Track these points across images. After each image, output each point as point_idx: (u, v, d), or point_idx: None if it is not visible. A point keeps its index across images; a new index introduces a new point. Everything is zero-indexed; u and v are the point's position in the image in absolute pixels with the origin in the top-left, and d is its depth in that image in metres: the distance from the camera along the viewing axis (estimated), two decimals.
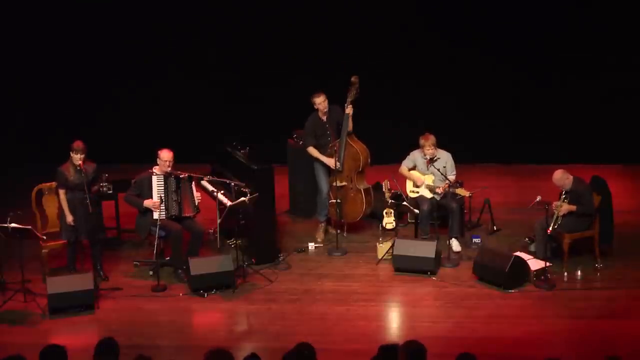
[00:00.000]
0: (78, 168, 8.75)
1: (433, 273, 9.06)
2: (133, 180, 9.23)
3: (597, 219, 9.10)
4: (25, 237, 8.47)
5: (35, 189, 9.35)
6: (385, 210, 10.34)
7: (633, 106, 12.63)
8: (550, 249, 8.96)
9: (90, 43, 13.15)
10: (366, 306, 8.48)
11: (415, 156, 9.84)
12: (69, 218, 8.84)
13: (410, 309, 8.60)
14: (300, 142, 10.45)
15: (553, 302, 8.40)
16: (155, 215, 8.91)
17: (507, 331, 7.82)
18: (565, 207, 8.90)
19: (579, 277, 8.90)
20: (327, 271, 9.36)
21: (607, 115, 12.63)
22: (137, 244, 9.91)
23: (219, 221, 9.02)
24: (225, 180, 9.35)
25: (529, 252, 9.21)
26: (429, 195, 9.72)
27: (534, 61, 12.72)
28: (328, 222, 10.31)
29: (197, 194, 9.23)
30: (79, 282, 8.43)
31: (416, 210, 9.65)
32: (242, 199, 8.91)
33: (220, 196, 9.25)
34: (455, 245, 9.64)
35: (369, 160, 10.03)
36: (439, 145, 9.72)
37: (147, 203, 8.96)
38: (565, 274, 8.90)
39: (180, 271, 9.05)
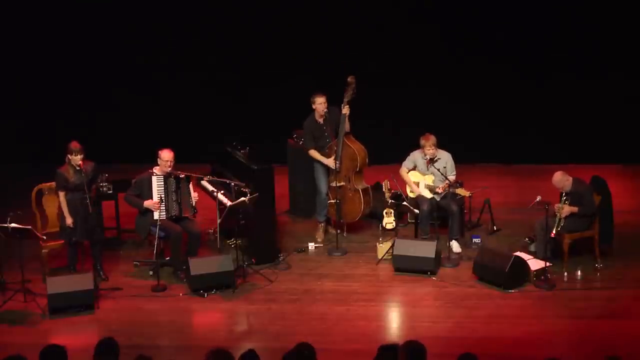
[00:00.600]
0: (78, 168, 8.75)
1: (433, 273, 9.06)
2: (133, 181, 9.23)
3: (597, 219, 9.10)
4: (25, 237, 8.47)
5: (35, 189, 9.35)
6: (385, 210, 10.34)
7: (633, 106, 12.63)
8: (550, 249, 8.96)
9: (90, 43, 13.15)
10: (366, 306, 8.48)
11: (416, 156, 9.84)
12: (69, 220, 8.83)
13: (410, 309, 8.60)
14: (300, 142, 10.45)
15: (553, 302, 8.40)
16: (156, 216, 8.91)
17: (507, 331, 7.82)
18: (567, 209, 8.89)
19: (579, 277, 8.90)
20: (327, 271, 9.36)
21: (607, 115, 12.64)
22: (137, 244, 9.92)
23: (219, 221, 9.02)
24: (225, 180, 9.35)
25: (529, 252, 9.21)
26: (429, 195, 9.72)
27: (534, 61, 12.72)
28: (328, 222, 10.31)
29: (194, 195, 9.22)
30: (79, 282, 8.42)
31: (416, 210, 9.65)
32: (242, 199, 8.91)
33: (220, 196, 9.25)
34: (456, 246, 9.64)
35: (367, 160, 10.02)
36: (439, 145, 9.72)
37: (147, 203, 8.97)
38: (565, 274, 8.90)
39: (179, 272, 9.05)
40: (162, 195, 9.01)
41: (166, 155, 9.01)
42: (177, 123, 13.06)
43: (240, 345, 7.58)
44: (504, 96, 12.79)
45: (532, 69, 12.74)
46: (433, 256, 9.04)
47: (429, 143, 9.62)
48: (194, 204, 9.20)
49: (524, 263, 8.76)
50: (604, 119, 12.65)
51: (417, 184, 9.77)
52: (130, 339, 7.54)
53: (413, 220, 10.13)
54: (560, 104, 12.80)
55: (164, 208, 9.03)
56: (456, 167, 9.80)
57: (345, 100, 9.77)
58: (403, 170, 9.88)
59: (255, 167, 9.44)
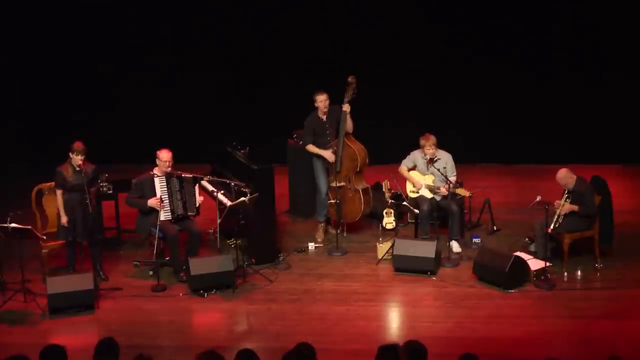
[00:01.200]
0: (77, 169, 8.75)
1: (433, 273, 9.06)
2: (133, 182, 9.22)
3: (597, 219, 9.10)
4: (25, 237, 8.47)
5: (35, 189, 9.35)
6: (385, 210, 10.34)
7: (633, 106, 12.63)
8: (550, 249, 8.96)
9: (90, 43, 13.15)
10: (366, 306, 8.48)
11: (416, 156, 9.83)
12: (64, 219, 8.84)
13: (410, 309, 8.60)
14: (300, 142, 10.45)
15: (553, 302, 8.40)
16: (162, 217, 8.91)
17: (507, 331, 7.82)
18: (567, 207, 8.90)
19: (579, 277, 8.90)
20: (327, 271, 9.36)
21: (607, 115, 12.64)
22: (137, 244, 9.92)
23: (219, 221, 9.02)
24: (225, 180, 9.35)
25: (529, 252, 9.21)
26: (429, 195, 9.72)
27: (534, 61, 12.73)
28: (328, 222, 10.31)
29: (200, 198, 9.22)
30: (79, 282, 8.42)
31: (416, 210, 9.65)
32: (242, 199, 8.91)
33: (220, 196, 9.24)
34: (456, 247, 9.63)
35: (367, 161, 10.03)
36: (439, 145, 9.72)
37: (151, 202, 8.95)
38: (565, 274, 8.90)
39: (180, 274, 9.05)
40: (167, 196, 9.01)
41: (165, 155, 9.01)
42: (177, 123, 13.06)
43: (240, 345, 7.55)
44: (504, 96, 12.79)
45: (533, 69, 12.73)
46: (433, 256, 9.04)
47: (429, 143, 9.62)
48: (197, 206, 9.20)
49: (524, 263, 8.76)
50: (604, 119, 12.66)
51: (421, 185, 9.76)
52: (130, 339, 7.54)
53: (413, 220, 10.13)
54: (561, 104, 12.80)
55: (168, 208, 9.03)
56: (456, 167, 9.80)
57: (346, 100, 9.77)
58: (402, 168, 9.88)
59: (255, 167, 9.44)
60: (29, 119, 13.36)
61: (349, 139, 9.95)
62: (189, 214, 9.18)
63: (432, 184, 9.68)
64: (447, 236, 9.56)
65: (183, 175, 9.14)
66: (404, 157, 9.92)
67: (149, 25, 13.03)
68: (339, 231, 9.91)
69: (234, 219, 9.16)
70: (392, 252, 9.26)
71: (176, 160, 9.14)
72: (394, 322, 8.55)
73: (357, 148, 9.93)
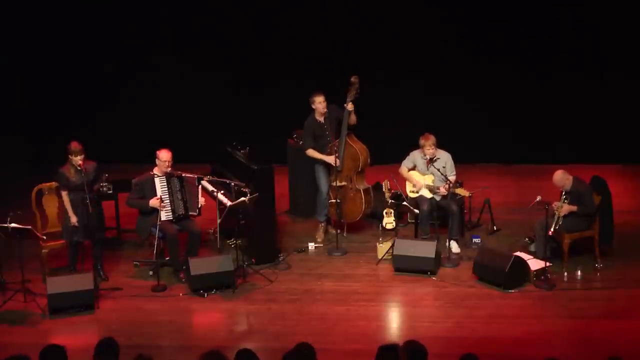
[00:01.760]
0: (78, 168, 8.75)
1: (433, 273, 9.06)
2: (133, 182, 9.21)
3: (597, 219, 9.10)
4: (25, 237, 8.47)
5: (35, 189, 9.35)
6: (385, 210, 10.34)
7: (633, 106, 12.63)
8: (550, 249, 8.96)
9: (90, 43, 13.14)
10: (366, 306, 8.48)
11: (415, 156, 9.84)
12: (73, 219, 8.83)
13: (410, 309, 8.60)
14: (300, 142, 10.45)
15: (553, 302, 8.40)
16: (163, 217, 8.91)
17: (507, 331, 7.82)
18: (566, 208, 8.90)
19: (579, 277, 8.90)
20: (327, 271, 9.36)
21: (607, 115, 12.64)
22: (137, 244, 9.91)
23: (219, 221, 9.02)
24: (225, 180, 9.35)
25: (529, 252, 9.21)
26: (429, 195, 9.72)
27: (535, 61, 12.72)
28: (328, 222, 10.31)
29: (202, 200, 9.22)
30: (79, 282, 8.43)
31: (416, 210, 9.65)
32: (242, 199, 8.90)
33: (220, 196, 9.24)
34: (455, 247, 9.63)
35: (369, 161, 10.03)
36: (439, 145, 9.72)
37: (152, 202, 8.95)
38: (565, 274, 8.90)
39: (179, 273, 9.05)
40: (168, 196, 9.01)
41: (164, 155, 9.01)
42: (177, 123, 13.06)
43: (240, 345, 7.55)
44: (504, 96, 12.78)
45: (533, 69, 12.73)
46: (433, 256, 9.04)
47: (428, 143, 9.62)
48: (200, 206, 9.20)
49: (524, 263, 8.76)
50: (604, 119, 12.65)
51: (422, 185, 9.76)
52: (130, 339, 7.54)
53: (413, 220, 10.13)
54: (561, 104, 12.80)
55: (169, 208, 9.03)
56: (456, 167, 9.80)
57: (348, 100, 9.77)
58: (403, 169, 9.88)
59: (255, 167, 9.44)
60: (29, 119, 13.35)
61: (351, 138, 9.95)
62: (191, 213, 9.18)
63: (431, 184, 9.68)
64: (447, 236, 9.56)
65: (184, 175, 9.15)
66: (404, 157, 9.92)
67: (149, 26, 13.03)
68: (339, 231, 9.90)
69: (234, 219, 9.16)
70: (392, 252, 9.26)
71: (176, 161, 9.14)
72: (394, 322, 8.55)
73: (359, 148, 9.94)
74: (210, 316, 8.46)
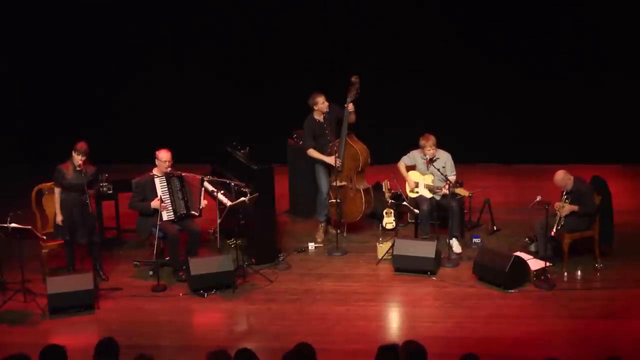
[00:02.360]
0: (77, 169, 8.75)
1: (433, 273, 9.06)
2: (133, 183, 9.20)
3: (597, 219, 9.10)
4: (25, 237, 8.46)
5: (35, 189, 9.35)
6: (385, 210, 10.35)
7: (633, 106, 12.63)
8: (550, 249, 8.96)
9: (90, 43, 13.15)
10: (366, 306, 8.48)
11: (415, 156, 9.84)
12: (59, 217, 8.85)
13: (410, 309, 8.60)
14: (300, 142, 10.45)
15: (553, 302, 8.40)
16: (165, 217, 8.91)
17: (507, 331, 7.82)
18: (567, 208, 8.90)
19: (579, 277, 8.90)
20: (327, 271, 9.36)
21: (607, 115, 12.64)
22: (137, 244, 9.91)
23: (219, 221, 9.02)
24: (225, 180, 9.35)
25: (529, 252, 9.21)
26: (429, 195, 9.72)
27: (534, 61, 12.73)
28: (328, 222, 10.31)
29: (204, 202, 9.21)
30: (79, 282, 8.42)
31: (416, 210, 9.65)
32: (242, 199, 8.91)
33: (220, 196, 9.24)
34: (456, 245, 9.64)
35: (369, 161, 10.04)
36: (439, 145, 9.72)
37: (154, 204, 8.95)
38: (565, 274, 8.90)
39: (179, 272, 9.05)
40: (168, 196, 9.01)
41: (164, 155, 9.01)
42: (177, 123, 13.06)
43: (240, 345, 7.56)
44: (505, 96, 12.79)
45: (533, 69, 12.73)
46: (433, 256, 9.04)
47: (429, 143, 9.62)
48: (201, 207, 9.20)
49: (524, 263, 8.76)
50: (604, 119, 12.65)
51: (417, 184, 9.78)
52: (130, 339, 7.54)
53: (413, 220, 10.13)
54: (561, 104, 12.80)
55: (171, 208, 9.04)
56: (456, 167, 9.80)
57: (349, 100, 9.78)
58: (401, 164, 9.88)
59: (255, 167, 9.44)
60: (29, 119, 13.35)
61: (351, 138, 9.96)
62: (192, 212, 9.17)
63: (431, 184, 9.68)
64: (447, 235, 9.56)
65: (184, 174, 9.15)
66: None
67: (149, 26, 13.03)
68: (339, 231, 9.91)
69: (234, 219, 9.16)
70: (392, 252, 9.26)
71: (176, 161, 9.14)
72: (394, 322, 8.55)
73: (360, 148, 9.94)
74: (210, 316, 8.46)
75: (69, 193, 8.83)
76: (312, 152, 9.97)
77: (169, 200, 9.06)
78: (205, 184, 9.80)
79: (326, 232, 10.26)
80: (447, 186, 9.44)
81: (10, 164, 12.93)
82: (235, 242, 9.28)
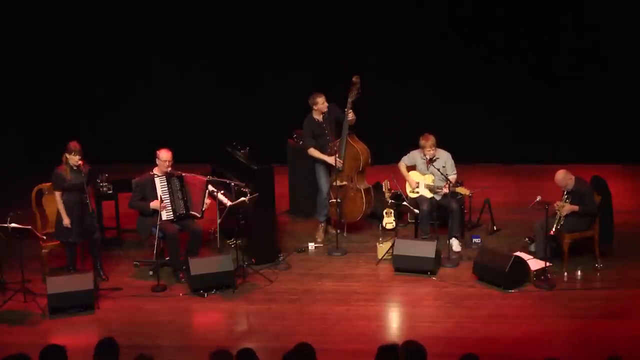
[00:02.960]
0: (75, 168, 8.74)
1: (433, 273, 9.06)
2: (133, 182, 9.20)
3: (597, 219, 9.10)
4: (25, 237, 8.46)
5: (35, 189, 9.35)
6: (385, 210, 10.35)
7: (633, 106, 12.63)
8: (550, 249, 8.95)
9: (90, 43, 13.15)
10: (366, 306, 8.48)
11: (415, 156, 9.84)
12: (66, 220, 8.81)
13: (410, 309, 8.60)
14: (300, 142, 10.45)
15: (553, 302, 8.40)
16: (164, 217, 8.91)
17: (507, 331, 7.82)
18: (567, 208, 8.90)
19: (579, 277, 8.90)
20: (327, 271, 9.36)
21: (607, 115, 12.64)
22: (137, 244, 9.91)
23: (219, 221, 9.01)
24: (225, 180, 9.35)
25: (529, 252, 9.21)
26: (429, 195, 9.73)
27: (534, 61, 12.72)
28: (328, 222, 10.31)
29: (207, 201, 9.22)
30: (79, 282, 8.42)
31: (416, 210, 9.65)
32: (242, 199, 8.90)
33: (220, 196, 9.24)
34: (456, 245, 9.64)
35: (370, 160, 10.04)
36: (439, 145, 9.72)
37: (153, 205, 8.95)
38: (565, 274, 8.90)
39: (179, 273, 9.05)
40: (168, 196, 9.02)
41: (164, 155, 9.01)
42: (177, 123, 13.06)
43: (240, 345, 7.56)
44: (505, 96, 12.78)
45: (533, 69, 12.73)
46: (433, 256, 9.04)
47: (429, 143, 9.62)
48: (203, 209, 9.20)
49: (524, 263, 8.76)
50: (604, 119, 12.65)
51: (417, 184, 9.77)
52: (130, 339, 7.54)
53: (413, 220, 10.13)
54: (561, 104, 12.80)
55: (170, 208, 9.04)
56: (456, 167, 9.80)
57: (350, 100, 9.78)
58: (401, 164, 9.89)
59: (255, 167, 9.45)
60: (29, 119, 13.35)
61: (352, 138, 9.96)
62: (194, 213, 9.17)
63: (432, 184, 9.68)
64: (447, 234, 9.56)
65: (184, 174, 9.14)
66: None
67: (149, 26, 13.02)
68: (339, 231, 9.91)
69: (234, 219, 9.16)
70: (392, 252, 9.26)
71: (177, 161, 9.14)
72: (394, 322, 8.55)
73: (360, 148, 9.94)
74: (210, 316, 8.46)
75: (69, 194, 8.83)
76: (313, 152, 9.97)
77: (169, 200, 9.06)
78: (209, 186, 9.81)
79: (326, 232, 10.26)
80: (447, 186, 9.44)
81: (10, 164, 12.93)
82: (235, 242, 9.28)
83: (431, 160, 9.66)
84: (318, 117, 9.93)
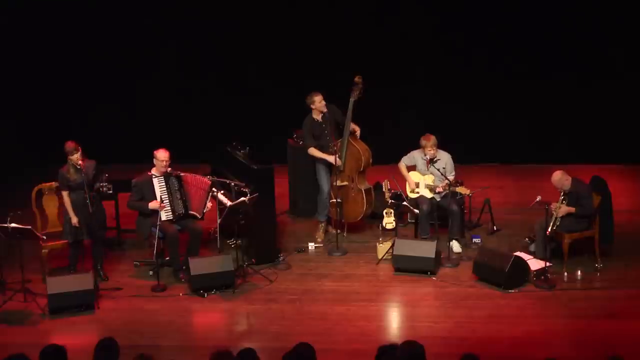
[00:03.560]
0: (78, 167, 8.75)
1: (433, 273, 9.06)
2: (133, 182, 9.20)
3: (597, 219, 9.09)
4: (25, 237, 8.46)
5: (35, 189, 9.35)
6: (385, 210, 10.35)
7: (633, 106, 12.63)
8: (550, 249, 8.95)
9: (90, 43, 13.14)
10: (366, 306, 8.48)
11: (415, 156, 9.84)
12: (74, 220, 8.82)
13: (410, 309, 8.60)
14: (300, 142, 10.45)
15: (553, 302, 8.40)
16: (163, 217, 8.91)
17: (507, 331, 7.81)
18: (564, 209, 8.89)
19: (579, 277, 8.90)
20: (327, 271, 9.36)
21: (607, 115, 12.64)
22: (137, 244, 9.91)
23: (219, 221, 9.01)
24: (225, 180, 9.35)
25: (529, 252, 9.21)
26: (429, 195, 9.72)
27: (534, 61, 12.73)
28: (328, 222, 10.31)
29: (209, 204, 9.20)
30: (79, 282, 8.42)
31: (416, 210, 9.65)
32: (242, 199, 8.90)
33: (220, 196, 9.24)
34: (456, 247, 9.63)
35: (371, 161, 10.05)
36: (439, 145, 9.72)
37: (152, 205, 8.95)
38: (565, 274, 8.90)
39: (179, 273, 9.04)
40: (167, 196, 9.02)
41: (162, 155, 9.00)
42: (177, 123, 13.06)
43: (240, 345, 7.55)
44: (504, 96, 12.78)
45: (532, 69, 12.73)
46: (433, 256, 9.04)
47: (429, 143, 9.62)
48: (204, 211, 9.19)
49: (524, 263, 8.76)
50: (604, 119, 12.65)
51: (417, 184, 9.77)
52: (130, 339, 7.53)
53: (413, 220, 10.13)
54: (561, 103, 12.80)
55: (169, 208, 9.03)
56: (456, 167, 9.80)
57: (352, 100, 9.78)
58: (401, 164, 9.88)
59: (255, 167, 9.44)
60: (29, 119, 13.34)
61: (353, 138, 9.96)
62: (194, 213, 9.16)
63: (432, 184, 9.68)
64: (447, 236, 9.56)
65: (182, 174, 9.14)
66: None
67: (149, 26, 13.03)
68: (339, 231, 9.90)
69: (234, 219, 9.16)
70: (392, 252, 9.26)
71: (177, 161, 9.13)
72: (394, 322, 8.55)
73: (361, 148, 9.95)
74: (210, 316, 8.46)
75: (77, 193, 8.82)
76: (313, 151, 9.97)
77: (167, 200, 9.05)
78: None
79: (326, 232, 10.27)
80: (446, 186, 9.43)
81: (11, 164, 12.91)
82: (235, 242, 9.27)
83: (431, 161, 9.66)
84: (317, 117, 9.93)
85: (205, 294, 8.66)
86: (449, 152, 9.78)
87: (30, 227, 8.47)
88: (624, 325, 7.93)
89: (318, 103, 9.86)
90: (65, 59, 13.19)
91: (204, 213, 9.22)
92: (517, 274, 8.68)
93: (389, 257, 9.37)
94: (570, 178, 8.96)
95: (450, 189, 9.46)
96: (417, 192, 9.80)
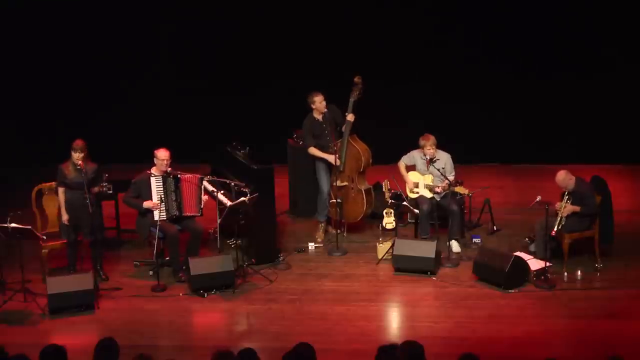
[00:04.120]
0: (78, 167, 8.75)
1: (433, 273, 9.06)
2: (132, 180, 9.21)
3: (597, 219, 9.10)
4: (25, 237, 8.46)
5: (35, 189, 9.35)
6: (385, 210, 10.35)
7: (633, 106, 12.63)
8: (550, 249, 8.95)
9: (90, 43, 13.14)
10: (366, 306, 8.48)
11: (415, 156, 9.84)
12: (64, 217, 8.85)
13: (410, 309, 8.60)
14: (300, 142, 10.45)
15: (553, 302, 8.40)
16: (156, 217, 8.91)
17: (507, 331, 7.82)
18: (568, 208, 8.89)
19: (579, 277, 8.90)
20: (327, 271, 9.36)
21: (607, 115, 12.63)
22: (137, 244, 9.91)
23: (219, 221, 9.01)
24: (225, 180, 9.35)
25: (529, 252, 9.21)
26: (429, 195, 9.72)
27: (534, 61, 12.73)
28: (328, 222, 10.31)
29: (204, 198, 9.21)
30: (79, 282, 8.42)
31: (416, 210, 9.65)
32: (242, 199, 8.90)
33: (220, 196, 9.24)
34: (455, 246, 9.63)
35: (371, 161, 10.05)
36: (439, 145, 9.72)
37: (146, 204, 8.96)
38: (565, 274, 8.90)
39: (179, 273, 9.04)
40: (162, 196, 9.01)
41: (162, 154, 9.00)
42: (177, 123, 13.06)
43: (240, 345, 7.55)
44: (504, 96, 12.79)
45: (532, 69, 12.74)
46: (433, 256, 9.04)
47: (429, 143, 9.62)
48: (202, 206, 9.19)
49: (524, 263, 8.76)
50: (604, 119, 12.65)
51: (417, 184, 9.78)
52: (130, 339, 7.53)
53: (413, 220, 10.13)
54: (561, 103, 12.80)
55: (164, 208, 9.03)
56: (456, 167, 9.80)
57: (352, 100, 9.78)
58: (401, 164, 9.88)
59: (255, 167, 9.44)
60: (29, 119, 13.35)
61: (353, 139, 9.96)
62: (187, 214, 9.15)
63: (431, 184, 9.67)
64: (447, 236, 9.56)
65: (180, 175, 9.14)
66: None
67: (149, 26, 13.03)
68: (339, 231, 9.91)
69: (234, 219, 9.16)
70: (392, 252, 9.26)
71: (177, 161, 9.13)
72: (394, 322, 8.55)
73: (362, 148, 9.95)
74: (210, 316, 8.46)
75: (73, 192, 8.83)
76: (313, 151, 9.97)
77: (162, 201, 9.02)
78: (205, 183, 9.78)
79: (326, 232, 10.27)
80: (445, 186, 9.43)
81: (11, 164, 12.92)
82: (235, 242, 9.27)
83: (431, 161, 9.66)
84: (318, 116, 9.93)
85: (205, 294, 8.66)
86: (448, 152, 9.78)
87: (30, 227, 8.47)
88: (624, 325, 7.93)
89: (318, 103, 9.87)
90: (65, 59, 13.19)
91: (201, 209, 9.20)
92: (517, 274, 8.68)
93: (389, 257, 9.37)
94: (574, 177, 8.96)
95: (450, 189, 9.46)
96: (417, 192, 9.80)
